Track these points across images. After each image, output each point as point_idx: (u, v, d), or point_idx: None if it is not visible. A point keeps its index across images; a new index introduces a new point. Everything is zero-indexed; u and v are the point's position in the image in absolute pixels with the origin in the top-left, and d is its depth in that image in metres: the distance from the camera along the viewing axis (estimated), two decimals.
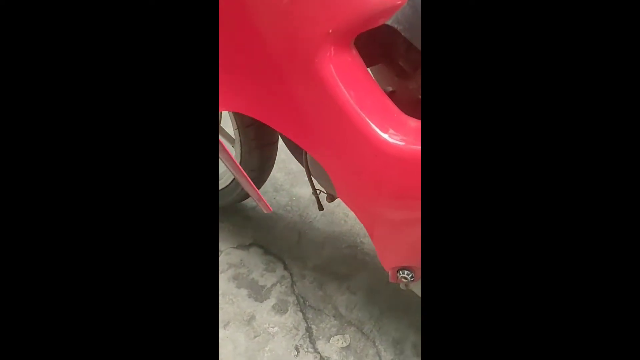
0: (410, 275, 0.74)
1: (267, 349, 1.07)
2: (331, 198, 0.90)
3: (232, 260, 1.28)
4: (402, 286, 0.84)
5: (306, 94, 0.60)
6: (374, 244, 0.76)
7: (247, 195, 1.32)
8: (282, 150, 1.66)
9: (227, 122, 1.18)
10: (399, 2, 0.55)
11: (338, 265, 1.27)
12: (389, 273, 0.78)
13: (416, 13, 0.59)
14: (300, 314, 1.14)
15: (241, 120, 1.01)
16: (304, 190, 1.51)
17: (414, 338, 1.10)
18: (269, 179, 1.53)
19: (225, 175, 1.25)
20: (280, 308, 1.16)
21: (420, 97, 0.65)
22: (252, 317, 1.13)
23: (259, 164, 1.14)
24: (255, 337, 1.09)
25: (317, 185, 0.95)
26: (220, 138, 0.99)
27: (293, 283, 1.22)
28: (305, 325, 1.12)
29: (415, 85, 0.65)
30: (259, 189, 1.30)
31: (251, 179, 1.18)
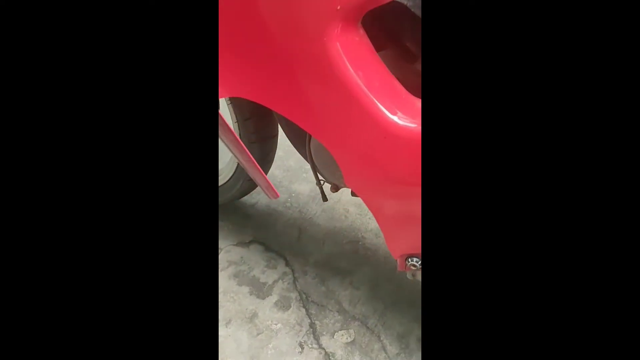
0: (420, 262, 0.73)
1: (270, 346, 1.04)
2: (335, 188, 0.89)
3: (232, 258, 1.26)
4: (409, 276, 0.82)
5: (313, 75, 0.59)
6: (382, 231, 0.74)
7: (246, 192, 1.30)
8: (280, 148, 1.64)
9: (225, 115, 1.16)
10: None
11: (340, 261, 1.25)
12: (397, 261, 0.77)
13: None
14: (303, 310, 1.12)
15: (240, 113, 0.99)
16: (303, 187, 1.49)
17: (419, 332, 1.08)
18: (267, 176, 1.52)
19: (224, 171, 1.23)
20: (282, 305, 1.14)
21: None
22: (254, 315, 1.11)
23: (259, 158, 1.12)
24: (258, 334, 1.07)
25: (319, 179, 0.93)
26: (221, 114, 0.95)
27: (295, 279, 1.20)
28: (309, 321, 1.10)
29: (421, 67, 0.64)
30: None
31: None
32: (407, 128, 0.59)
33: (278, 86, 0.63)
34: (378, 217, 0.72)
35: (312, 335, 1.07)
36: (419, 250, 0.72)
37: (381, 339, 1.07)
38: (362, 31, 0.59)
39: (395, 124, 0.59)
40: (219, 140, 0.73)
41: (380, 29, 0.65)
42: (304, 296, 1.16)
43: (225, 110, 1.06)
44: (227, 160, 1.21)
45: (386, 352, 1.04)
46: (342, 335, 1.07)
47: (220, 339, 1.06)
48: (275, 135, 1.11)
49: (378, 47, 0.65)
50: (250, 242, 1.30)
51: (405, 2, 0.57)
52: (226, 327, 1.08)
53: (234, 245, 1.29)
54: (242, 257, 1.26)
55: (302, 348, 1.04)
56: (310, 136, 0.80)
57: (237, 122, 1.04)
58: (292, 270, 1.23)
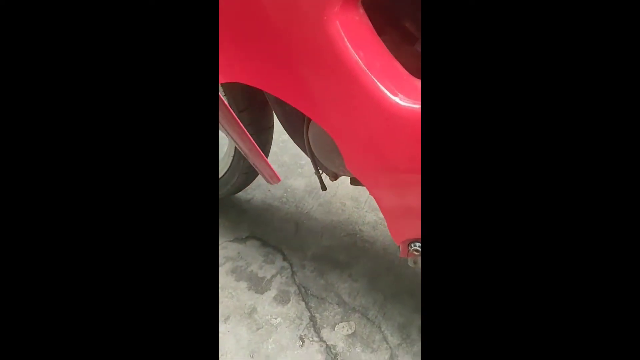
0: None
1: (270, 340, 1.03)
2: (334, 176, 0.88)
3: (229, 254, 1.24)
4: (410, 263, 0.82)
5: (311, 55, 0.58)
6: (384, 216, 0.74)
7: (241, 187, 1.29)
8: (274, 144, 1.63)
9: None
10: None
11: (338, 254, 1.24)
12: (400, 247, 0.76)
13: None
14: (302, 304, 1.11)
15: (235, 105, 0.98)
16: (299, 182, 1.48)
17: (420, 322, 1.08)
18: None
19: (219, 166, 1.22)
20: (281, 299, 1.12)
21: None
22: (253, 310, 1.10)
23: None
24: (257, 329, 1.05)
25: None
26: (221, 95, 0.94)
27: (293, 273, 1.19)
28: (309, 314, 1.09)
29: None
30: (254, 178, 1.27)
31: (247, 168, 1.16)
32: (409, 109, 0.58)
33: (276, 68, 0.62)
34: (380, 201, 0.71)
35: (312, 328, 1.06)
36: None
37: (382, 329, 1.06)
38: (362, 10, 0.58)
39: (397, 104, 0.58)
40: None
41: (380, 12, 0.65)
42: (303, 290, 1.15)
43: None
44: (222, 155, 1.20)
45: (387, 343, 1.03)
46: (343, 327, 1.06)
47: (220, 335, 1.04)
48: (270, 127, 1.10)
49: (378, 32, 0.64)
50: (247, 238, 1.29)
51: None
52: (225, 323, 1.07)
53: (230, 241, 1.28)
54: (239, 253, 1.24)
55: (303, 341, 1.03)
56: (308, 124, 0.80)
57: None
58: (290, 265, 1.21)
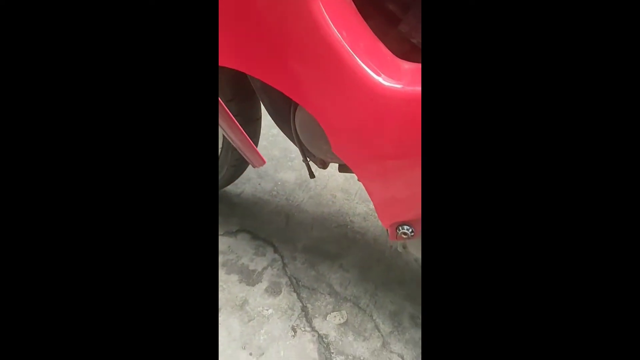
0: (411, 230, 0.73)
1: (262, 331, 1.03)
2: (323, 163, 0.88)
3: (219, 248, 1.24)
4: (399, 248, 0.82)
5: (294, 36, 0.58)
6: (372, 201, 0.74)
7: (230, 180, 1.28)
8: (263, 137, 1.63)
9: None
10: None
11: (329, 245, 1.24)
12: (388, 231, 0.76)
13: None
14: (294, 295, 1.11)
15: (222, 95, 0.98)
16: (289, 175, 1.48)
17: (411, 309, 1.08)
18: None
19: None
20: (273, 290, 1.12)
21: (413, 40, 0.64)
22: (244, 302, 1.09)
23: None
24: (249, 321, 1.05)
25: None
26: None
27: (284, 265, 1.19)
28: (301, 305, 1.09)
29: (407, 28, 0.63)
30: (243, 171, 1.26)
31: (236, 160, 1.15)
32: (393, 89, 0.58)
33: (259, 50, 0.62)
34: (367, 184, 0.71)
35: (304, 318, 1.06)
36: (409, 217, 0.71)
37: (374, 318, 1.06)
38: None
39: (381, 84, 0.58)
40: None
41: None
42: (294, 281, 1.15)
43: None
44: None
45: (379, 331, 1.03)
46: (335, 316, 1.06)
47: None
48: (258, 119, 1.09)
49: (362, 14, 0.64)
50: (237, 231, 1.28)
51: None
52: None
53: (220, 235, 1.27)
54: (229, 247, 1.24)
55: (295, 332, 1.03)
56: (294, 111, 0.79)
57: None
58: (281, 257, 1.21)
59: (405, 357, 0.99)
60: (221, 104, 0.75)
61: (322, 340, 1.01)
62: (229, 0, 0.59)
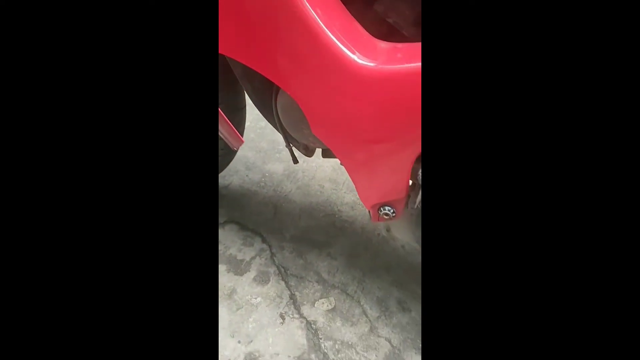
0: (392, 211, 0.73)
1: (250, 319, 1.03)
2: (305, 149, 0.88)
3: None
4: (383, 232, 0.82)
5: (269, 15, 0.58)
6: (353, 183, 0.74)
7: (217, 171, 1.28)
8: (251, 130, 1.63)
9: None
10: None
11: (316, 234, 1.25)
12: (370, 212, 0.77)
13: None
14: (282, 283, 1.12)
15: None
16: (277, 166, 1.49)
17: (398, 294, 1.09)
18: (239, 157, 1.50)
19: None
20: (261, 279, 1.12)
21: (389, 20, 0.64)
22: (233, 291, 1.10)
23: None
24: (237, 309, 1.05)
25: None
26: None
27: (272, 255, 1.19)
28: (289, 292, 1.09)
29: (382, 8, 0.64)
30: (229, 162, 1.27)
31: (221, 150, 1.15)
32: (366, 67, 0.59)
33: (237, 31, 0.62)
34: (347, 166, 0.72)
35: (292, 305, 1.06)
36: (391, 197, 0.72)
37: (361, 303, 1.07)
38: None
39: (355, 62, 0.59)
40: None
41: None
42: (282, 270, 1.15)
43: None
44: None
45: (367, 316, 1.04)
46: (323, 303, 1.07)
47: None
48: (243, 108, 1.10)
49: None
50: (225, 223, 1.29)
51: None
52: None
53: None
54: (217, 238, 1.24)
55: (283, 319, 1.03)
56: (276, 96, 0.80)
57: None
58: (269, 247, 1.22)
59: (392, 341, 1.00)
60: None
61: (310, 327, 1.02)
62: None
